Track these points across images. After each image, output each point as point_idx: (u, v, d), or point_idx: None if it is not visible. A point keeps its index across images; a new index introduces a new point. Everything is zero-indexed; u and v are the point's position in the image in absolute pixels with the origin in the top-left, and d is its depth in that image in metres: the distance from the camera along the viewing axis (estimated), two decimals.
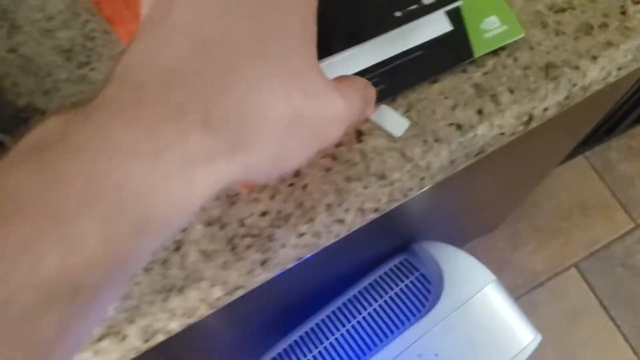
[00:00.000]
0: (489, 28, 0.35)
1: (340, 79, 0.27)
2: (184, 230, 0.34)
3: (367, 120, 0.35)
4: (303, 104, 0.23)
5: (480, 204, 0.93)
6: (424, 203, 0.62)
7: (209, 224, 0.34)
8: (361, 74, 0.34)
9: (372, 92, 0.29)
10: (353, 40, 0.33)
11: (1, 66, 0.38)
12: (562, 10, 0.37)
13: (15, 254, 0.16)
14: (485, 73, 0.36)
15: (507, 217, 1.19)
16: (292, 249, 0.34)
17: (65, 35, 0.39)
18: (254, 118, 0.21)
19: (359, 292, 0.77)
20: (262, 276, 0.34)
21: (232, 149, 0.21)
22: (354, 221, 0.35)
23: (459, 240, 1.16)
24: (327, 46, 0.33)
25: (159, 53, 0.21)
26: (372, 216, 0.35)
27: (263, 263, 0.34)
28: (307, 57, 0.23)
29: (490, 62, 0.36)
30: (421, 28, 0.35)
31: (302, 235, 0.34)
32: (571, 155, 1.19)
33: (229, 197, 0.35)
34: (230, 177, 0.21)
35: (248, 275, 0.34)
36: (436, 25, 0.35)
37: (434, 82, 0.36)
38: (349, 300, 0.74)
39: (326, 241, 0.35)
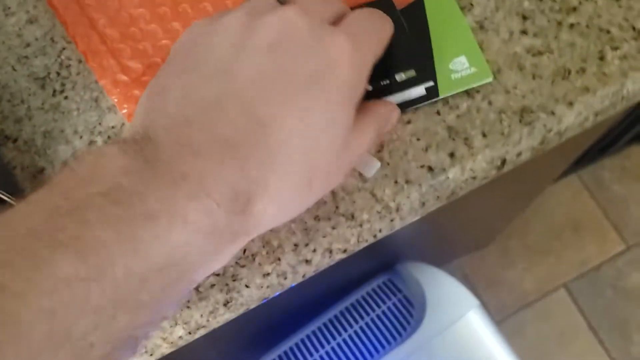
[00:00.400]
0: (457, 69, 0.35)
1: (366, 111, 0.30)
2: None
3: None
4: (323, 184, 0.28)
5: (469, 224, 0.93)
6: (410, 224, 0.61)
7: None
8: None
9: (394, 115, 0.33)
10: None
11: None
12: (540, 53, 0.37)
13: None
14: (459, 116, 0.36)
15: (497, 236, 1.18)
16: (256, 289, 0.34)
17: (41, 63, 0.38)
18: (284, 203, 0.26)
19: (340, 312, 0.76)
20: (225, 316, 0.34)
21: (253, 231, 0.26)
22: (321, 262, 0.34)
23: (447, 257, 1.15)
24: None
25: (215, 116, 0.23)
26: (340, 257, 0.35)
27: (226, 303, 0.33)
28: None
29: (464, 105, 0.36)
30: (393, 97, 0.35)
31: (267, 275, 0.34)
32: (564, 173, 1.18)
33: None
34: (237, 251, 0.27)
35: (210, 315, 0.33)
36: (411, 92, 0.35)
37: (407, 122, 0.36)
38: (330, 320, 0.74)
39: (292, 281, 0.34)
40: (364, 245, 0.35)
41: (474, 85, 0.35)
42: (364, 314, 0.74)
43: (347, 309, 0.77)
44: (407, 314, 0.73)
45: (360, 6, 0.33)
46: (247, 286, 0.33)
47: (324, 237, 0.34)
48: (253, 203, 0.24)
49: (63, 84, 0.38)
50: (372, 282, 0.78)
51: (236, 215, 0.23)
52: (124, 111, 0.36)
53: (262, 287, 0.34)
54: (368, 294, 0.78)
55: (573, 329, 1.12)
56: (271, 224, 0.27)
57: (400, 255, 0.78)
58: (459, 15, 0.37)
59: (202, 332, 0.34)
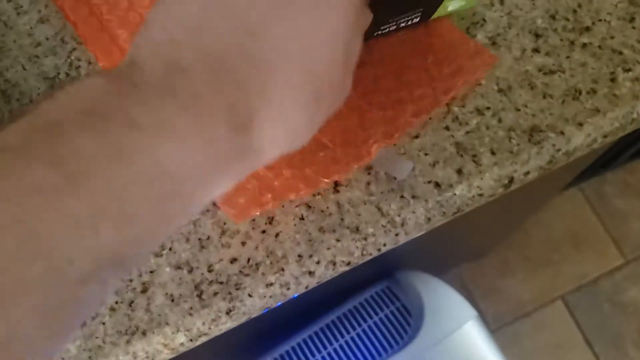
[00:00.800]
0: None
1: None
2: (152, 271, 0.34)
3: (361, 165, 0.35)
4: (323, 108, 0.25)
5: (469, 234, 0.92)
6: None
7: (177, 267, 0.34)
8: None
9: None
10: None
11: None
12: (552, 72, 0.37)
13: (76, 220, 0.17)
14: (468, 132, 0.36)
15: (496, 246, 1.18)
16: (259, 298, 0.34)
17: (51, 63, 0.38)
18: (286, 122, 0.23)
19: (338, 317, 0.76)
20: (227, 325, 0.34)
21: (260, 151, 0.23)
22: (324, 274, 0.34)
23: (446, 266, 1.15)
24: None
25: (203, 32, 0.22)
26: (343, 269, 0.35)
27: (229, 312, 0.33)
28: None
29: (473, 121, 0.36)
30: None
31: (270, 285, 0.34)
32: (566, 186, 1.18)
33: (200, 240, 0.34)
34: (248, 173, 0.24)
35: (212, 323, 0.33)
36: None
37: (415, 137, 0.36)
38: (327, 325, 0.74)
39: (294, 292, 0.34)
40: (367, 258, 0.35)
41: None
42: (361, 321, 0.74)
43: (344, 315, 0.76)
44: (405, 323, 0.73)
45: None
46: (250, 295, 0.33)
47: (328, 249, 0.34)
48: (255, 117, 0.22)
49: None
50: (370, 289, 0.77)
51: (238, 131, 0.21)
52: None
53: (264, 296, 0.34)
54: (366, 300, 0.78)
55: (569, 341, 1.12)
56: (282, 145, 0.24)
57: (399, 263, 0.78)
58: None
59: (203, 340, 0.34)
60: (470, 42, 0.37)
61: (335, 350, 0.72)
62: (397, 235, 0.35)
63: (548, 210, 1.22)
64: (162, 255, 0.34)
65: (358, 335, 0.73)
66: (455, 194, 0.35)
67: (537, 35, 0.38)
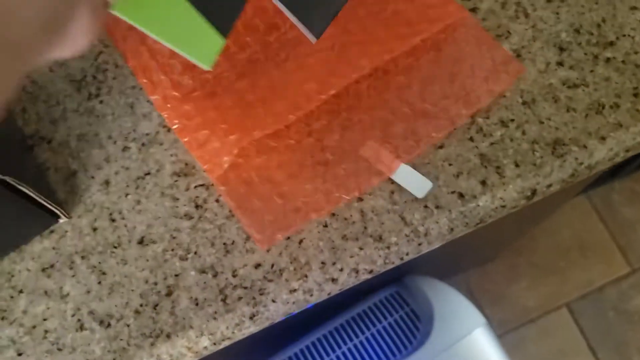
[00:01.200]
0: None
1: None
2: (177, 275, 0.34)
3: (386, 178, 0.35)
4: None
5: (478, 240, 0.93)
6: None
7: (202, 271, 0.34)
8: None
9: None
10: None
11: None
12: (575, 86, 0.37)
13: None
14: (492, 143, 0.36)
15: (503, 252, 1.18)
16: (282, 304, 0.34)
17: (78, 65, 0.39)
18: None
19: (347, 321, 0.76)
20: (250, 329, 0.34)
21: None
22: (347, 281, 0.35)
23: (453, 270, 1.15)
24: None
25: None
26: (366, 277, 0.35)
27: (252, 317, 0.34)
28: None
29: (498, 133, 0.36)
30: None
31: (293, 291, 0.34)
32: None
33: (225, 245, 0.35)
34: None
35: (236, 327, 0.34)
36: None
37: (440, 147, 0.36)
38: (335, 329, 0.74)
39: (317, 298, 0.35)
40: (390, 267, 0.35)
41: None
42: (370, 325, 0.75)
43: (353, 318, 0.77)
44: (414, 328, 0.73)
45: None
46: (273, 301, 0.34)
47: (351, 257, 0.34)
48: None
49: (99, 88, 0.38)
50: (379, 293, 0.78)
51: None
52: (175, 126, 0.36)
53: (288, 302, 0.34)
54: (375, 305, 0.78)
55: (573, 348, 1.12)
56: None
57: (407, 268, 0.79)
58: None
59: (226, 344, 0.34)
60: (500, 49, 0.37)
61: (344, 353, 0.72)
62: (420, 245, 0.35)
63: (555, 217, 1.22)
64: (187, 259, 0.34)
65: (367, 338, 0.73)
66: (478, 205, 0.35)
67: (562, 49, 0.38)
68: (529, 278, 1.18)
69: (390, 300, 0.78)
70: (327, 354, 0.74)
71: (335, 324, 0.77)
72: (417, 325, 0.73)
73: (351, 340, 0.74)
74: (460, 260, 1.09)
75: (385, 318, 0.75)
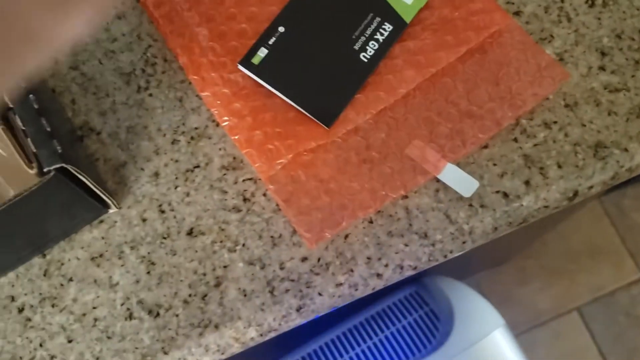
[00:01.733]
0: None
1: None
2: (225, 266, 0.35)
3: (427, 179, 0.36)
4: None
5: (491, 242, 0.93)
6: None
7: (250, 263, 0.35)
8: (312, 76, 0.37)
9: None
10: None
11: (63, 82, 0.38)
12: (617, 90, 0.38)
13: None
14: (536, 145, 0.36)
15: (515, 254, 1.19)
16: (328, 297, 0.35)
17: (127, 59, 0.39)
18: None
19: (365, 319, 0.77)
20: (296, 321, 0.35)
21: None
22: (391, 277, 0.35)
23: (465, 272, 1.16)
24: None
25: None
26: (410, 273, 0.36)
27: (299, 309, 0.34)
28: None
29: (541, 135, 0.37)
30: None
31: (339, 285, 0.35)
32: None
33: (272, 238, 0.35)
34: None
35: (283, 319, 0.34)
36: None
37: (485, 147, 0.36)
38: (354, 326, 0.75)
39: (361, 293, 0.35)
40: (434, 264, 0.36)
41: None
42: (389, 324, 0.75)
43: (372, 317, 0.77)
44: (433, 328, 0.74)
45: None
46: (320, 294, 0.34)
47: (396, 253, 0.35)
48: None
49: (148, 81, 0.39)
50: (398, 292, 0.78)
51: None
52: (225, 123, 0.37)
53: (334, 296, 0.35)
54: (394, 304, 0.79)
55: (583, 352, 1.13)
56: None
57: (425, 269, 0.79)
58: None
59: (272, 335, 0.35)
60: (544, 54, 0.38)
61: (363, 351, 0.73)
62: (464, 243, 0.36)
63: (567, 221, 1.22)
64: (235, 251, 0.35)
65: (386, 337, 0.74)
66: (522, 205, 0.35)
67: (603, 54, 0.38)
68: (540, 281, 1.19)
69: (410, 300, 0.78)
70: (347, 352, 0.74)
71: (354, 322, 0.77)
72: (436, 325, 0.74)
73: (370, 338, 0.74)
74: (473, 262, 1.09)
75: (405, 317, 0.76)
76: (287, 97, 0.36)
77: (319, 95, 0.37)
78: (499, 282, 1.17)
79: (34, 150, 0.29)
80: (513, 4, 0.40)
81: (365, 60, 0.37)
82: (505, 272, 1.18)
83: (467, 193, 0.35)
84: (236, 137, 0.37)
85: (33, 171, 0.29)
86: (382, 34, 0.37)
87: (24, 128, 0.29)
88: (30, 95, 0.30)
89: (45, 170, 0.28)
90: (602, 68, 0.38)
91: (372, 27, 0.38)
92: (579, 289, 1.17)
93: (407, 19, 0.38)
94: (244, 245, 0.35)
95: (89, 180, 0.31)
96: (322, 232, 0.35)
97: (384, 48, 0.37)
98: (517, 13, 0.39)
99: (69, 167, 0.29)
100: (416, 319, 0.76)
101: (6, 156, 0.30)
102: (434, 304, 0.76)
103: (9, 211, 0.29)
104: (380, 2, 0.38)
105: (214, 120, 0.38)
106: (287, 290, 0.34)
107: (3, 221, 0.30)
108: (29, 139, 0.29)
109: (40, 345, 0.34)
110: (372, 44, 0.37)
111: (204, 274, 0.35)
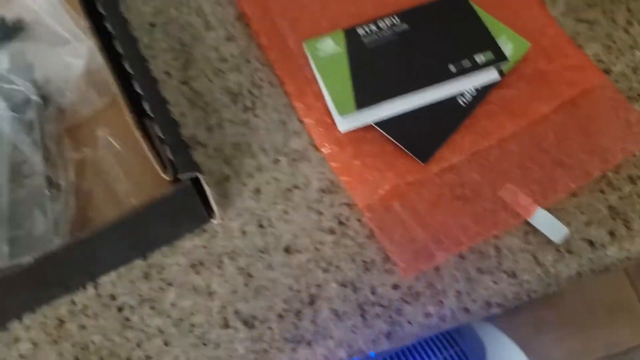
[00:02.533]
0: (503, 47, 0.40)
1: None
2: (318, 285, 0.36)
3: (518, 223, 0.37)
4: None
5: None
6: None
7: (343, 284, 0.36)
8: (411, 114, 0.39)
9: None
10: (409, 86, 0.39)
11: (174, 95, 0.40)
12: None
13: None
14: (621, 197, 0.38)
15: (532, 303, 1.19)
16: (417, 327, 0.36)
17: (235, 79, 0.41)
18: None
19: (396, 353, 0.77)
20: (384, 346, 0.36)
21: None
22: (478, 312, 0.36)
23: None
24: (384, 91, 0.39)
25: None
26: (495, 311, 0.37)
27: (388, 335, 0.35)
28: None
29: (626, 188, 0.38)
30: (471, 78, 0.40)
31: (429, 315, 0.36)
32: None
33: (364, 262, 0.37)
34: None
35: (372, 343, 0.35)
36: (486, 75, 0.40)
37: (573, 195, 0.38)
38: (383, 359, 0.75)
39: (449, 326, 0.36)
40: (517, 303, 0.37)
41: (521, 55, 0.41)
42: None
43: (402, 351, 0.77)
44: None
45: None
46: (409, 322, 0.35)
47: (484, 289, 0.36)
48: None
49: (253, 102, 0.41)
50: None
51: None
52: (325, 150, 0.39)
53: (422, 326, 0.36)
54: (425, 340, 0.79)
55: None
56: None
57: None
58: (477, 9, 0.42)
59: (357, 357, 0.36)
60: (634, 111, 0.40)
61: None
62: (549, 285, 0.37)
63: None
64: (329, 271, 0.36)
65: None
66: (606, 254, 0.37)
67: None
68: (556, 332, 1.19)
69: (440, 338, 0.79)
70: None
71: (383, 355, 0.78)
72: None
73: None
74: None
75: (435, 355, 0.76)
76: (386, 132, 0.38)
77: (416, 133, 0.38)
78: (515, 330, 1.18)
79: (171, 158, 0.30)
80: (604, 62, 0.42)
81: (463, 104, 0.39)
82: (520, 321, 1.19)
83: (556, 238, 0.37)
84: (335, 165, 0.38)
85: (167, 177, 0.31)
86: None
87: (162, 136, 0.31)
88: (168, 106, 0.32)
89: (179, 177, 0.30)
90: None
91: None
92: (594, 344, 1.17)
93: (505, 69, 0.40)
94: (337, 266, 0.36)
95: (210, 192, 0.33)
96: (418, 264, 0.36)
97: (482, 93, 0.39)
98: (606, 71, 0.42)
99: (200, 176, 0.31)
100: (446, 358, 0.76)
101: (135, 160, 0.32)
102: (464, 344, 0.77)
103: (139, 215, 0.30)
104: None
105: (313, 145, 0.39)
106: (377, 315, 0.35)
107: (129, 224, 0.31)
108: (166, 146, 0.30)
109: (138, 345, 0.34)
110: (470, 88, 0.40)
111: (299, 291, 0.36)
